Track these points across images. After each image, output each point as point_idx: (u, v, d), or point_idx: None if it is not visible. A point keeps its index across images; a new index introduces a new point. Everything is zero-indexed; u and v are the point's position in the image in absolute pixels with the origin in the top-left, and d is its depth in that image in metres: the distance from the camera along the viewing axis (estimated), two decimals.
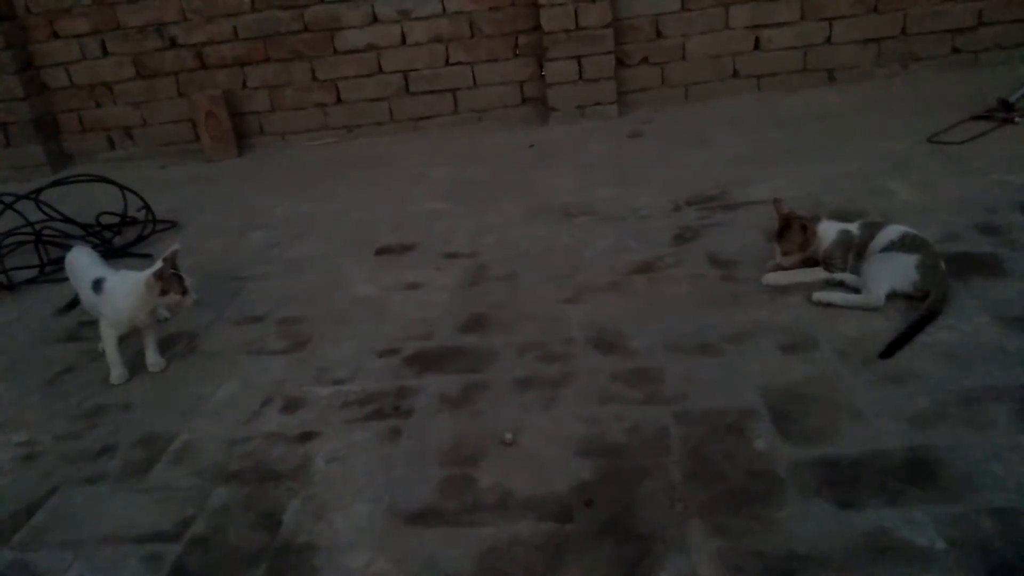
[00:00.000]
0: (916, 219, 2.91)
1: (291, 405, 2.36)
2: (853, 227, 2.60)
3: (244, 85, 5.35)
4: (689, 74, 5.03)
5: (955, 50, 4.81)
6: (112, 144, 5.61)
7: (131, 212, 4.18)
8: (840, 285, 2.54)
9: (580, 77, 4.95)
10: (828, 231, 2.60)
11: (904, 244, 2.44)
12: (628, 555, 1.63)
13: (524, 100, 5.23)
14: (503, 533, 1.74)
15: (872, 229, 2.57)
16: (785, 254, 2.62)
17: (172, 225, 4.16)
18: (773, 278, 2.63)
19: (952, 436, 1.82)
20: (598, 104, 5.01)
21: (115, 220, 4.13)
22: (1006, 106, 3.83)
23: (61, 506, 2.05)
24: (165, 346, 2.83)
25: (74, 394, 2.60)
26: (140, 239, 3.95)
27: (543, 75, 5.03)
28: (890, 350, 2.17)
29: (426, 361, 2.50)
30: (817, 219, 2.64)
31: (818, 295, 2.49)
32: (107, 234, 4.00)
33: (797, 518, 1.66)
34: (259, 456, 2.14)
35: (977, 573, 1.47)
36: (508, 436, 2.05)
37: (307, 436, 2.20)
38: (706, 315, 2.52)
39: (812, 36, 4.87)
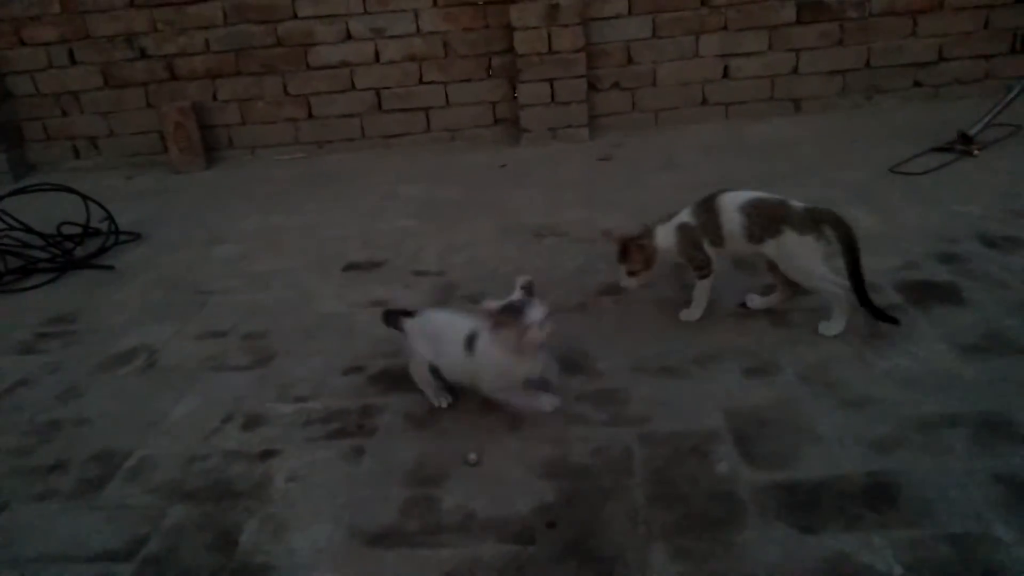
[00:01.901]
0: (877, 246, 2.97)
1: (252, 422, 2.32)
2: (685, 216, 2.49)
3: (214, 98, 5.31)
4: (659, 100, 5.10)
5: (917, 84, 4.95)
6: (77, 153, 5.52)
7: (94, 223, 4.10)
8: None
9: (552, 100, 4.99)
10: (666, 235, 2.50)
11: (758, 216, 2.36)
12: None
13: (496, 121, 5.26)
14: (465, 555, 1.72)
15: (707, 205, 2.46)
16: (631, 275, 2.54)
17: (136, 237, 4.09)
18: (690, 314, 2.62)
19: (910, 462, 1.85)
20: (569, 127, 5.05)
21: (77, 231, 4.05)
22: (965, 139, 3.93)
23: (9, 523, 1.98)
24: (124, 360, 2.78)
25: (27, 408, 2.53)
26: (102, 250, 3.88)
27: (515, 97, 5.07)
28: (881, 315, 2.38)
29: (391, 379, 2.47)
30: (650, 232, 2.52)
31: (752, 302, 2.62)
32: (68, 244, 3.92)
33: (758, 542, 1.66)
34: (217, 474, 2.10)
35: None
36: (472, 456, 2.03)
37: (268, 454, 2.16)
38: (672, 338, 2.54)
39: (779, 66, 4.98)
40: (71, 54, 5.23)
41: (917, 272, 2.76)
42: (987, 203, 3.28)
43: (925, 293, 2.61)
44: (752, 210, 2.38)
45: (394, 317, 2.39)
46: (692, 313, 2.61)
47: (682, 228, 2.49)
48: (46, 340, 3.01)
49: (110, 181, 5.18)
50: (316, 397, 2.42)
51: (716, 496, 1.81)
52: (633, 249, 2.50)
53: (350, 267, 3.44)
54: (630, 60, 5.02)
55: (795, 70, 4.97)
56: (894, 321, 2.39)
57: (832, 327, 2.42)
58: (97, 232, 4.06)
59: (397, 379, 2.47)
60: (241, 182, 5.01)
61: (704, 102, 5.08)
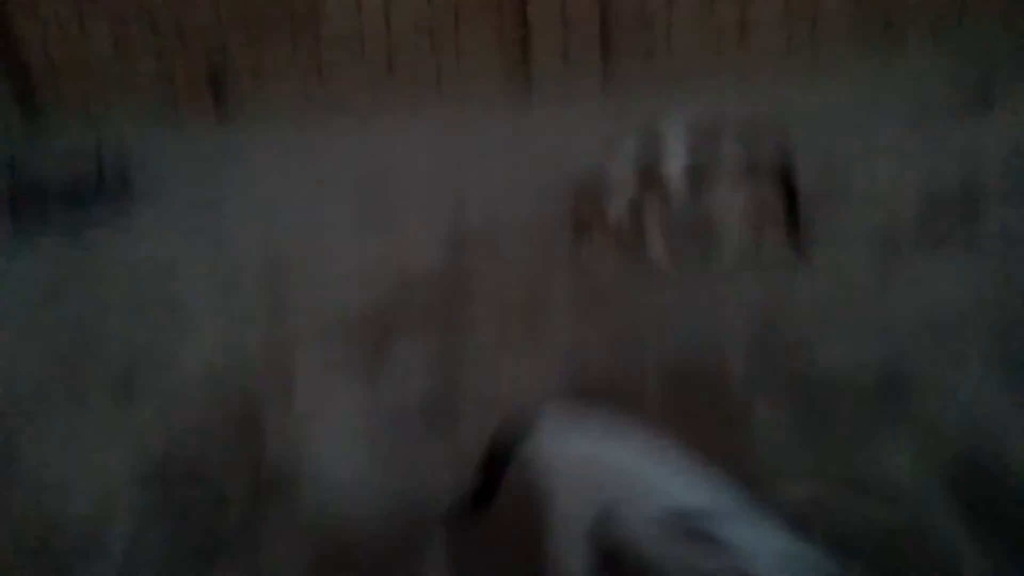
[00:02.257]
0: (899, 189, 2.93)
1: (272, 362, 2.33)
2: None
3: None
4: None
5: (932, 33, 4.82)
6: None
7: (108, 177, 4.09)
8: None
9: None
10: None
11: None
12: None
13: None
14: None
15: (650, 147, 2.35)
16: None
17: (151, 191, 4.08)
18: None
19: (927, 363, 1.89)
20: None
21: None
22: (988, 88, 3.83)
23: None
24: (146, 308, 2.81)
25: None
26: (116, 204, 3.90)
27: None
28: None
29: (405, 319, 2.49)
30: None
31: None
32: (82, 200, 3.94)
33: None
34: (243, 372, 2.23)
35: (946, 491, 1.48)
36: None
37: (287, 390, 2.16)
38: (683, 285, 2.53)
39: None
40: None
41: (935, 223, 2.72)
42: (1008, 157, 3.20)
43: (941, 242, 2.59)
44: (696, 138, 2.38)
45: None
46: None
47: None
48: (64, 292, 3.05)
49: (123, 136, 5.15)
50: (332, 335, 2.45)
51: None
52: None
53: (365, 208, 3.43)
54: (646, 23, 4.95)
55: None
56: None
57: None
58: (112, 185, 4.05)
59: (412, 318, 2.48)
60: (255, 137, 4.94)
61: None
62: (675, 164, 2.27)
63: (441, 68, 5.23)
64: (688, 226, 2.50)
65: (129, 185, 4.04)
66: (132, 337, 2.58)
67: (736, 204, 2.27)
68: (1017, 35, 4.63)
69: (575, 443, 1.31)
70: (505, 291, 2.58)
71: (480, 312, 2.42)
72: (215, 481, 1.73)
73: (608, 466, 1.26)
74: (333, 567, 1.50)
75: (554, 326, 2.27)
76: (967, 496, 1.47)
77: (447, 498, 1.58)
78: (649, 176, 2.31)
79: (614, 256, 2.39)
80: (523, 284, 2.59)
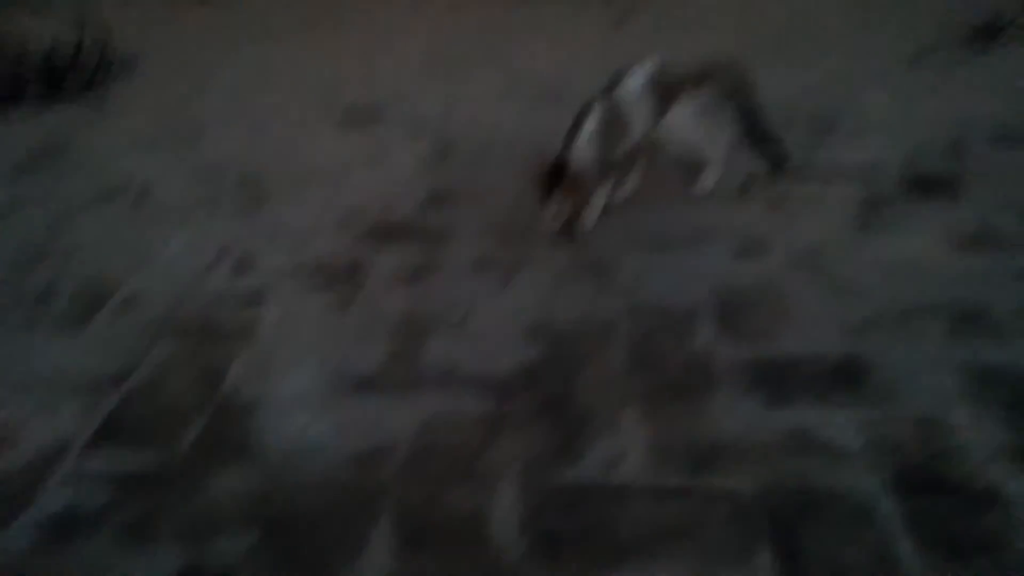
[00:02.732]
0: (886, 136, 2.92)
1: (242, 266, 2.34)
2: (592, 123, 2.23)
3: None
4: None
5: None
6: None
7: (84, 50, 3.94)
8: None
9: None
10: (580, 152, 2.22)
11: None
12: (563, 434, 1.69)
13: None
14: (444, 405, 1.78)
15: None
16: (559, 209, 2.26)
17: (129, 67, 3.95)
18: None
19: (884, 346, 1.88)
20: None
21: (67, 58, 3.89)
22: (994, 30, 3.75)
23: None
24: (115, 193, 2.76)
25: (15, 236, 2.53)
26: (93, 79, 3.76)
27: None
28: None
29: (384, 234, 2.47)
30: (565, 157, 2.21)
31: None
32: (58, 72, 3.78)
33: (726, 412, 1.72)
34: (206, 313, 2.13)
35: (887, 472, 1.55)
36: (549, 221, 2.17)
37: (256, 298, 2.19)
38: (668, 212, 2.52)
39: None
40: None
41: (921, 164, 2.70)
42: (1004, 98, 3.17)
43: (925, 185, 2.57)
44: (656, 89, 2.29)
45: None
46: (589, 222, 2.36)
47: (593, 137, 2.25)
48: (35, 169, 2.97)
49: (103, 7, 4.94)
50: (306, 246, 2.43)
51: (692, 367, 1.86)
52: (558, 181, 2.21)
53: (348, 113, 3.35)
54: None
55: None
56: (782, 163, 2.52)
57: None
58: (89, 59, 3.90)
59: (389, 233, 2.46)
60: (241, 13, 4.78)
61: None
62: (631, 93, 2.24)
63: None
64: (654, 156, 2.46)
65: (108, 62, 3.87)
66: (96, 237, 2.54)
67: (694, 127, 2.24)
68: None
69: None
70: (485, 214, 2.55)
71: (460, 232, 2.40)
72: (166, 441, 1.72)
73: None
74: (281, 533, 1.51)
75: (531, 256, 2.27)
76: (913, 495, 1.52)
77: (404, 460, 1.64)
78: (613, 129, 2.24)
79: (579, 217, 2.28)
80: (503, 206, 2.56)
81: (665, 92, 2.28)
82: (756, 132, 2.38)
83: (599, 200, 2.29)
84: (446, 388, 1.84)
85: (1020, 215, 2.37)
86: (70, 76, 3.80)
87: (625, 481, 1.57)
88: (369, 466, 1.64)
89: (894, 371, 1.81)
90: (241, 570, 1.43)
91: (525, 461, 1.63)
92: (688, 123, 2.31)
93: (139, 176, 2.88)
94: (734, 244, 2.32)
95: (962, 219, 2.37)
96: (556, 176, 2.17)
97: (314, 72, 3.78)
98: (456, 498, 1.55)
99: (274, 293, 2.21)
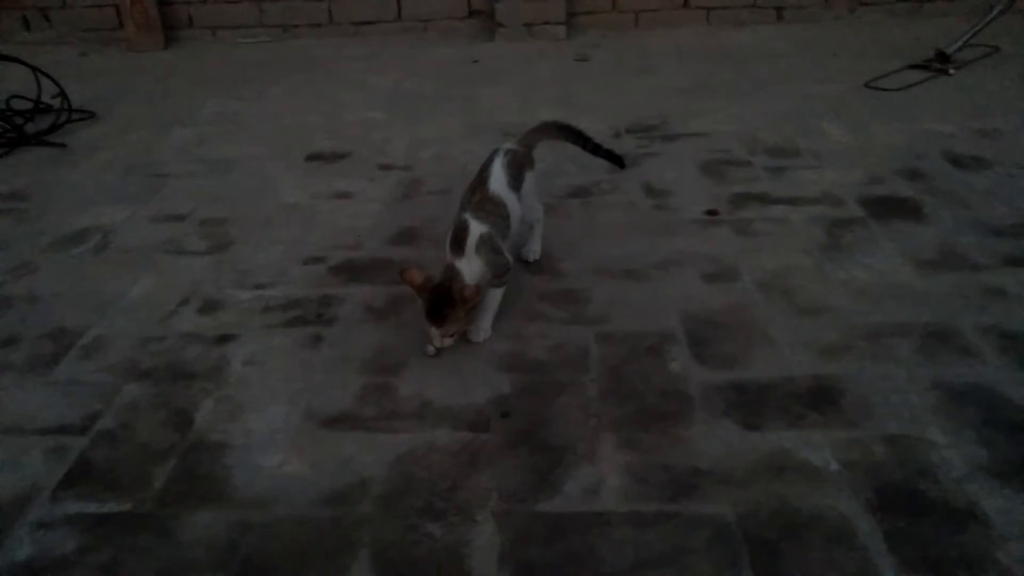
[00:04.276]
0: (845, 160, 2.98)
1: (209, 307, 2.30)
2: (477, 228, 2.04)
3: None
4: (640, 1, 4.94)
5: None
6: (27, 25, 5.22)
7: (45, 99, 3.91)
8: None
9: None
10: (471, 263, 2.01)
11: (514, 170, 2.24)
12: (539, 464, 1.67)
13: (471, 13, 5.07)
14: (420, 440, 1.76)
15: (486, 201, 2.13)
16: (452, 335, 2.00)
17: (90, 116, 3.93)
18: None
19: (856, 367, 1.90)
20: (546, 24, 4.89)
21: (28, 106, 3.86)
22: (943, 57, 3.89)
23: None
24: (77, 240, 2.71)
25: None
26: (54, 128, 3.72)
27: None
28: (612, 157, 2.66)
29: (353, 271, 2.45)
30: (455, 270, 1.99)
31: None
32: (18, 120, 3.74)
33: (704, 437, 1.72)
34: (173, 355, 2.09)
35: (865, 492, 1.55)
36: (430, 348, 2.04)
37: (225, 338, 2.15)
38: (636, 241, 2.54)
39: None
40: None
41: (881, 187, 2.77)
42: (958, 122, 3.27)
43: (887, 208, 2.63)
44: (510, 168, 2.22)
45: None
46: (484, 332, 2.11)
47: (483, 241, 2.03)
48: None
49: (62, 57, 4.93)
50: (275, 285, 2.40)
51: (667, 393, 1.86)
52: (456, 302, 1.95)
53: (313, 157, 3.35)
54: None
55: None
56: (621, 163, 2.74)
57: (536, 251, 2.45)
58: (49, 108, 3.88)
59: (358, 270, 2.45)
60: (201, 64, 4.81)
61: (686, 5, 4.94)
62: (498, 180, 2.19)
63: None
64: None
65: (69, 109, 3.84)
66: (58, 283, 2.49)
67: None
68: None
69: None
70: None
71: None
72: (136, 485, 1.67)
73: None
74: (257, 574, 1.47)
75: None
76: (892, 515, 1.53)
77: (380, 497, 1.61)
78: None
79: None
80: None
81: (515, 169, 2.24)
82: (591, 146, 2.58)
83: (492, 303, 2.12)
84: (421, 422, 1.81)
85: (981, 235, 2.43)
86: (30, 123, 3.77)
87: (604, 509, 1.55)
88: (345, 503, 1.60)
89: (867, 391, 1.82)
90: None
91: (502, 492, 1.60)
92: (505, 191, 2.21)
93: (101, 222, 2.84)
94: (703, 270, 2.35)
95: (925, 240, 2.43)
96: (443, 297, 1.94)
97: (278, 122, 3.78)
98: (434, 532, 1.52)
99: (243, 332, 2.17)
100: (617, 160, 2.64)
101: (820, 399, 1.80)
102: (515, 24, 4.89)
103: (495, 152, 2.29)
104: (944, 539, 1.45)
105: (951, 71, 3.85)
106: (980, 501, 1.52)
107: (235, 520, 1.57)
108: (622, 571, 1.42)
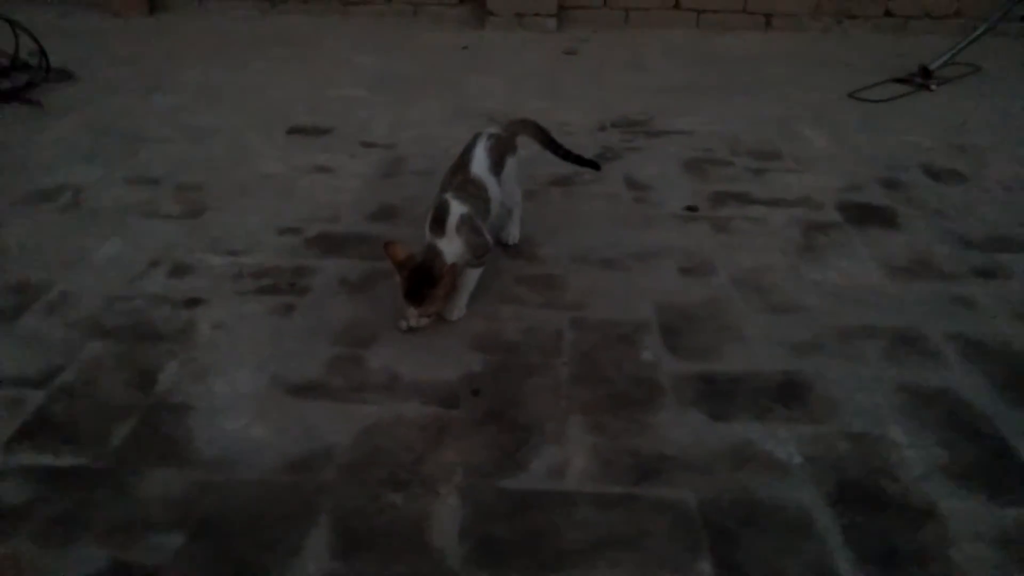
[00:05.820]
0: (824, 167, 3.01)
1: (180, 270, 2.27)
2: (457, 209, 2.02)
3: None
4: None
5: (888, 13, 4.91)
6: None
7: (23, 56, 3.83)
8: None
9: None
10: (451, 242, 1.99)
11: (496, 155, 2.24)
12: (507, 442, 1.66)
13: (462, 0, 5.04)
14: (388, 412, 1.74)
15: (466, 184, 2.13)
16: (428, 316, 2.00)
17: (68, 76, 3.85)
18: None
19: (824, 365, 1.92)
20: (537, 15, 4.88)
21: (5, 62, 3.77)
22: (926, 73, 3.94)
23: None
24: (48, 197, 2.66)
25: None
26: (30, 85, 3.64)
27: None
28: (584, 162, 2.54)
29: (329, 244, 2.43)
30: (436, 249, 1.98)
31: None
32: None
33: (671, 424, 1.72)
34: (140, 315, 2.05)
35: (826, 486, 1.57)
36: (403, 324, 2.02)
37: (194, 302, 2.12)
38: (615, 232, 2.54)
39: None
40: None
41: (859, 195, 2.80)
42: (936, 136, 3.32)
43: (864, 214, 2.66)
44: (492, 152, 2.22)
45: None
46: (459, 311, 2.10)
47: (464, 221, 2.01)
48: None
49: (42, 16, 4.81)
50: (249, 252, 2.37)
51: (638, 380, 1.86)
52: (436, 281, 1.93)
53: (295, 130, 3.32)
54: None
55: None
56: (596, 166, 2.60)
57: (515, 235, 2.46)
58: (26, 66, 3.79)
59: (335, 244, 2.43)
60: (185, 33, 4.73)
61: (677, 6, 4.95)
62: (481, 163, 2.20)
63: None
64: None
65: (47, 69, 3.76)
66: (25, 238, 2.44)
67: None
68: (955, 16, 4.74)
69: None
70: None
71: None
72: (94, 440, 1.65)
73: None
74: (213, 533, 1.45)
75: None
76: (851, 509, 1.54)
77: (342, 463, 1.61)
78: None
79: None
80: None
81: (497, 154, 2.24)
82: (562, 152, 2.50)
83: (469, 283, 2.10)
84: (390, 394, 1.80)
85: (954, 246, 2.47)
86: (6, 80, 3.68)
87: (568, 489, 1.55)
88: (308, 469, 1.58)
89: (834, 389, 1.84)
90: (170, 569, 1.36)
91: (468, 468, 1.60)
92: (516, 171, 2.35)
93: (73, 181, 2.78)
94: (680, 263, 2.36)
95: (899, 248, 2.46)
96: (423, 277, 1.93)
97: (260, 95, 3.74)
98: (396, 502, 1.51)
99: (213, 297, 2.14)
100: (592, 164, 2.57)
101: (788, 394, 1.82)
102: (506, 14, 4.88)
103: (478, 136, 2.28)
104: (900, 535, 1.46)
105: (933, 87, 3.90)
106: (938, 501, 1.54)
107: (194, 480, 1.55)
108: (582, 550, 1.42)
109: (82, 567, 1.37)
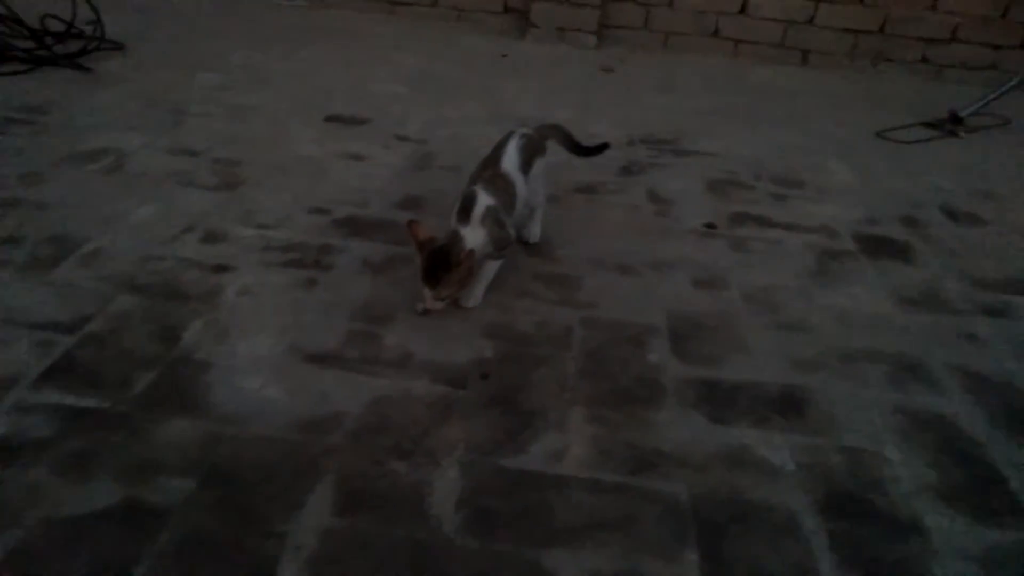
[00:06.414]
0: (847, 199, 3.06)
1: (211, 237, 2.35)
2: (484, 200, 2.09)
3: None
4: (672, 23, 5.03)
5: (924, 59, 4.95)
6: None
7: (79, 24, 3.96)
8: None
9: None
10: (475, 231, 2.06)
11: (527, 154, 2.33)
12: (510, 425, 1.72)
13: (506, 9, 5.15)
14: (398, 386, 1.81)
15: (495, 177, 2.21)
16: (443, 299, 2.06)
17: (119, 47, 3.99)
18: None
19: (826, 383, 1.96)
20: (578, 30, 4.97)
21: (61, 28, 3.92)
22: (955, 119, 3.98)
23: None
24: (91, 158, 2.76)
25: None
26: (83, 52, 3.77)
27: None
28: (593, 151, 2.61)
29: (356, 226, 2.51)
30: (458, 236, 2.05)
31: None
32: (49, 39, 3.79)
33: (671, 423, 1.77)
34: (169, 275, 2.14)
35: (816, 494, 1.61)
36: (420, 306, 2.09)
37: (222, 268, 2.20)
38: (634, 241, 2.60)
39: (796, 13, 4.93)
40: None
41: (876, 228, 2.84)
42: (959, 180, 3.36)
43: (879, 246, 2.70)
44: (523, 151, 2.31)
45: None
46: (475, 299, 2.17)
47: (489, 212, 2.08)
48: (13, 125, 2.97)
49: None
50: (278, 227, 2.45)
51: (642, 380, 1.91)
52: (452, 266, 1.99)
53: (332, 118, 3.42)
54: None
55: (811, 20, 4.93)
56: (605, 146, 2.65)
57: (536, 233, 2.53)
58: (80, 34, 3.93)
59: (361, 226, 2.50)
60: (237, 17, 4.87)
61: (716, 33, 5.03)
62: (511, 161, 2.29)
63: None
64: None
65: (100, 38, 3.89)
66: (66, 195, 2.54)
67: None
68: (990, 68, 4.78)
69: None
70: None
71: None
72: (116, 386, 1.72)
73: None
74: (222, 482, 1.51)
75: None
76: (838, 517, 1.59)
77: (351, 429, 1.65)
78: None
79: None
80: None
81: (527, 153, 2.33)
82: (578, 148, 2.58)
83: (488, 273, 2.17)
84: (401, 370, 1.86)
85: (965, 284, 2.50)
86: (60, 45, 3.81)
87: (565, 473, 1.60)
88: (318, 431, 1.65)
89: (833, 406, 1.88)
90: (178, 511, 1.43)
91: (470, 444, 1.65)
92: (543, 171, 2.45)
93: (116, 146, 2.89)
94: (694, 275, 2.41)
95: (910, 280, 2.49)
96: (441, 260, 1.99)
97: (302, 81, 3.85)
98: (399, 469, 1.57)
99: (240, 265, 2.22)
100: (601, 147, 2.62)
101: (787, 406, 1.86)
102: (548, 26, 4.97)
103: (511, 134, 2.36)
104: (884, 546, 1.50)
105: (962, 134, 3.94)
106: (924, 517, 1.58)
107: (208, 431, 1.62)
108: (573, 529, 1.47)
109: (97, 500, 1.44)
